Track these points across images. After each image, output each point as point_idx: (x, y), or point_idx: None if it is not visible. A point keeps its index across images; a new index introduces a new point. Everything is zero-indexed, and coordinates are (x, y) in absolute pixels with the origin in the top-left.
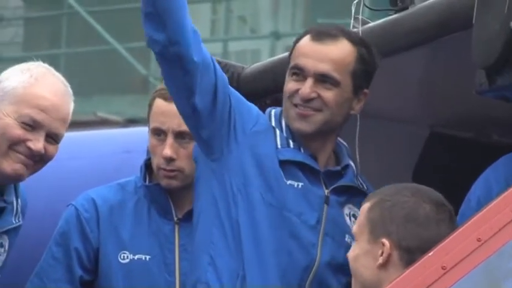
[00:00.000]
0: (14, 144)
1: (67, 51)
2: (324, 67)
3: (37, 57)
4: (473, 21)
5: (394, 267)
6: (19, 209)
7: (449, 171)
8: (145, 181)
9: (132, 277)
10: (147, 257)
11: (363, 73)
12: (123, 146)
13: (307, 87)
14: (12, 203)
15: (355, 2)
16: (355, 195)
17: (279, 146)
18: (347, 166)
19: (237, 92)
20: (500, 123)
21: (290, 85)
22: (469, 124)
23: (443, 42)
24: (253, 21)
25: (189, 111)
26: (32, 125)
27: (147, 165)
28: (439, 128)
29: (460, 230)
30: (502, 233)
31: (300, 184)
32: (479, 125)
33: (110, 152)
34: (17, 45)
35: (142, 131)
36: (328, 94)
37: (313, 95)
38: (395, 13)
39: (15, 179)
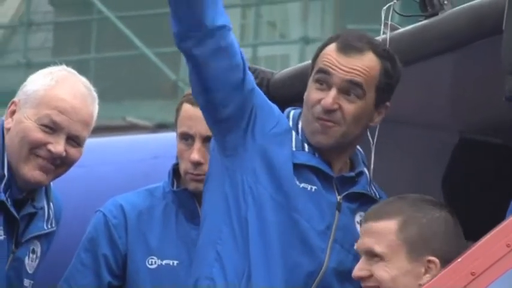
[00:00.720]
0: (34, 148)
1: (96, 56)
2: (353, 77)
3: (67, 62)
4: (503, 27)
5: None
6: (51, 215)
7: (479, 178)
8: (173, 186)
9: (160, 282)
10: (175, 262)
11: (387, 86)
12: (152, 151)
13: (330, 97)
14: (43, 208)
15: (385, 7)
16: (367, 202)
17: (294, 149)
18: (361, 173)
19: (261, 92)
20: None
21: (313, 94)
22: (498, 130)
23: (473, 48)
24: (282, 27)
25: (208, 104)
26: (52, 127)
27: (175, 171)
28: (469, 134)
29: (490, 236)
30: None
31: (314, 188)
32: (508, 130)
33: (138, 157)
34: (47, 50)
35: (171, 136)
36: (350, 107)
37: (335, 106)
38: (425, 19)
39: (35, 185)
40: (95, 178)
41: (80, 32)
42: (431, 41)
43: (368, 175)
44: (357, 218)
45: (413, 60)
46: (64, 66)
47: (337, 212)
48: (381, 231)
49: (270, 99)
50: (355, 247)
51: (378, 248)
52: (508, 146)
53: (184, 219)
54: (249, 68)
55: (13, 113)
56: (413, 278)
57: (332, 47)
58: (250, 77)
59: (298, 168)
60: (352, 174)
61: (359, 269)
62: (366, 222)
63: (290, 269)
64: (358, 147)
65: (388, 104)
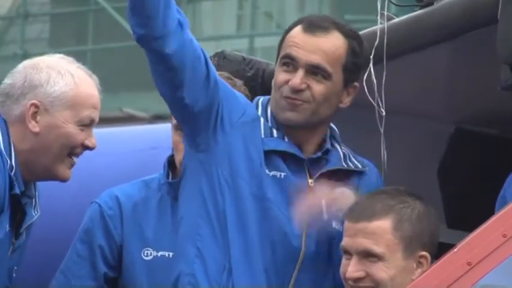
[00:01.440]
0: (74, 148)
1: (93, 47)
2: (316, 58)
3: (63, 54)
4: (498, 17)
5: None
6: (37, 201)
7: (474, 168)
8: (168, 178)
9: (155, 274)
10: (171, 253)
11: (354, 66)
12: (150, 142)
13: (297, 78)
14: (33, 196)
15: None
16: (344, 176)
17: (263, 136)
18: (328, 151)
19: (224, 82)
20: None
21: (280, 76)
22: (494, 120)
23: (468, 38)
24: (279, 17)
25: (176, 104)
26: (88, 124)
27: (170, 162)
28: (464, 124)
29: (486, 225)
30: None
31: (283, 174)
32: (504, 121)
33: (136, 148)
34: (44, 41)
35: (169, 127)
36: (318, 87)
37: (303, 86)
38: (420, 9)
39: (61, 181)
40: (92, 168)
41: (76, 23)
42: (426, 31)
43: (340, 150)
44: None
45: (409, 50)
46: (63, 56)
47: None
48: (376, 231)
49: (265, 90)
50: (342, 244)
51: (377, 249)
52: (503, 137)
53: None
54: (244, 59)
55: (34, 115)
56: (408, 274)
57: (298, 29)
58: (213, 69)
59: (269, 155)
60: (319, 154)
61: (354, 271)
62: (356, 221)
63: (269, 258)
64: (333, 126)
65: (356, 84)
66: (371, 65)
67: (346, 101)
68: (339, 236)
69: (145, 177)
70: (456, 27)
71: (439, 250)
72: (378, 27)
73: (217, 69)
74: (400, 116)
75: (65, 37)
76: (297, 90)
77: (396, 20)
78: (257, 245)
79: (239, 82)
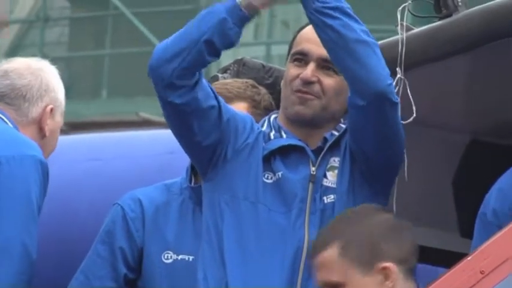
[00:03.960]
0: None
1: (111, 52)
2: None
3: (82, 58)
4: None
5: (398, 282)
6: None
7: (489, 179)
8: (190, 182)
9: (175, 277)
10: (191, 257)
11: None
12: (167, 147)
13: (309, 71)
14: None
15: (400, 8)
16: (336, 146)
17: (264, 144)
18: (325, 139)
19: (232, 110)
20: None
21: (292, 70)
22: (509, 132)
23: (486, 49)
24: (295, 26)
25: (187, 139)
26: None
27: (193, 167)
28: (480, 135)
29: (499, 234)
30: None
31: (280, 173)
32: None
33: (154, 152)
34: (63, 45)
35: None
36: (329, 81)
37: (314, 78)
38: (439, 20)
39: None
40: (110, 172)
41: (95, 28)
42: (445, 42)
43: (335, 132)
44: (327, 165)
45: (427, 60)
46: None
47: (310, 184)
48: (326, 262)
49: None
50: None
51: (334, 278)
52: None
53: (201, 215)
54: (263, 67)
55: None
56: (376, 287)
57: (308, 28)
58: (225, 108)
59: (267, 159)
60: (319, 144)
61: None
62: (313, 257)
63: (273, 260)
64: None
65: None
66: (399, 75)
67: None
68: None
69: (165, 181)
70: (475, 38)
71: (453, 259)
72: (396, 37)
73: (237, 76)
74: (418, 126)
75: (84, 41)
76: (308, 82)
77: (415, 30)
78: (255, 249)
79: (263, 90)
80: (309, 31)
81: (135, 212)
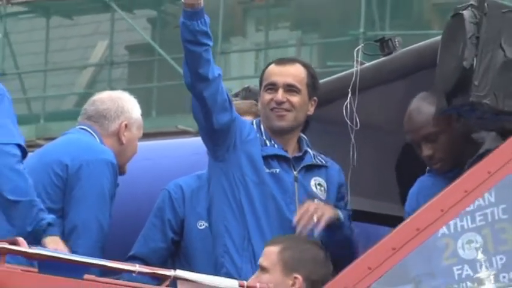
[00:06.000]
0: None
1: (158, 84)
2: (290, 79)
3: (137, 89)
4: (437, 61)
5: None
6: None
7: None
8: None
9: (206, 239)
10: None
11: (313, 85)
12: (195, 149)
13: (280, 94)
14: None
15: (356, 49)
16: (317, 169)
17: (261, 146)
18: (306, 152)
19: (239, 116)
20: None
21: (266, 97)
22: None
23: (417, 76)
24: None
25: (207, 126)
26: None
27: None
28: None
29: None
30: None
31: (277, 170)
32: None
33: (186, 153)
34: (124, 80)
35: None
36: (294, 98)
37: (284, 99)
38: (383, 56)
39: (123, 174)
40: (158, 167)
41: (146, 68)
42: (387, 72)
43: (310, 151)
44: (312, 182)
45: (375, 85)
46: (126, 93)
47: (295, 183)
48: (268, 253)
49: None
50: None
51: (264, 263)
52: None
53: None
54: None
55: (124, 131)
56: (284, 287)
57: (272, 65)
58: (234, 108)
59: (266, 158)
60: (300, 154)
61: (253, 278)
62: (264, 247)
63: (276, 225)
64: (303, 135)
65: (315, 98)
66: (350, 95)
67: (311, 110)
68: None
69: (196, 172)
70: (408, 69)
71: (394, 222)
72: (353, 70)
73: (245, 98)
74: (369, 129)
75: (138, 78)
76: (280, 102)
77: (366, 64)
78: (265, 219)
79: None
80: (273, 68)
81: (177, 194)
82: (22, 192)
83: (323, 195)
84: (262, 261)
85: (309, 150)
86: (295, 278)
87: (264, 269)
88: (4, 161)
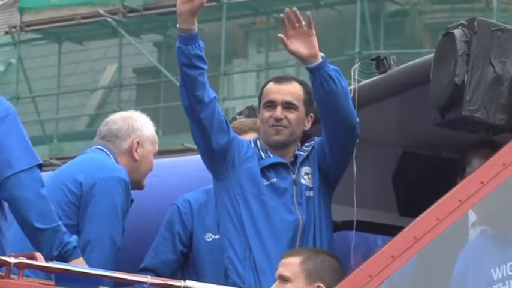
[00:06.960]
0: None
1: (164, 105)
2: (288, 97)
3: (145, 110)
4: (431, 77)
5: None
6: None
7: (414, 176)
8: None
9: (214, 250)
10: None
11: (309, 102)
12: (201, 166)
13: (278, 111)
14: None
15: (353, 68)
16: (306, 159)
17: (258, 160)
18: (296, 155)
19: (236, 135)
20: (448, 144)
21: (265, 114)
22: (433, 145)
23: (411, 92)
24: None
25: (206, 149)
26: None
27: None
28: (407, 148)
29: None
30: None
31: (274, 180)
32: (435, 145)
33: (193, 170)
34: (132, 102)
35: None
36: (292, 115)
37: (282, 116)
38: (379, 74)
39: (141, 189)
40: (166, 183)
41: (153, 90)
42: (383, 89)
43: (300, 149)
44: (302, 173)
45: (372, 101)
46: (133, 111)
47: (294, 186)
48: (288, 263)
49: None
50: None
51: (286, 273)
52: (435, 157)
53: None
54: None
55: (137, 148)
56: None
57: (270, 83)
58: (231, 129)
59: (263, 170)
60: (292, 159)
61: None
62: (280, 259)
63: (278, 232)
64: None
65: (312, 114)
66: None
67: (307, 125)
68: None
69: (204, 187)
70: (402, 86)
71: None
72: (351, 87)
73: (248, 116)
74: (368, 143)
75: (146, 98)
76: (278, 119)
77: (363, 82)
78: (263, 228)
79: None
80: (272, 86)
81: (186, 208)
82: (48, 219)
83: (310, 183)
84: (283, 271)
85: (299, 151)
86: (318, 286)
87: (285, 279)
88: (30, 188)
